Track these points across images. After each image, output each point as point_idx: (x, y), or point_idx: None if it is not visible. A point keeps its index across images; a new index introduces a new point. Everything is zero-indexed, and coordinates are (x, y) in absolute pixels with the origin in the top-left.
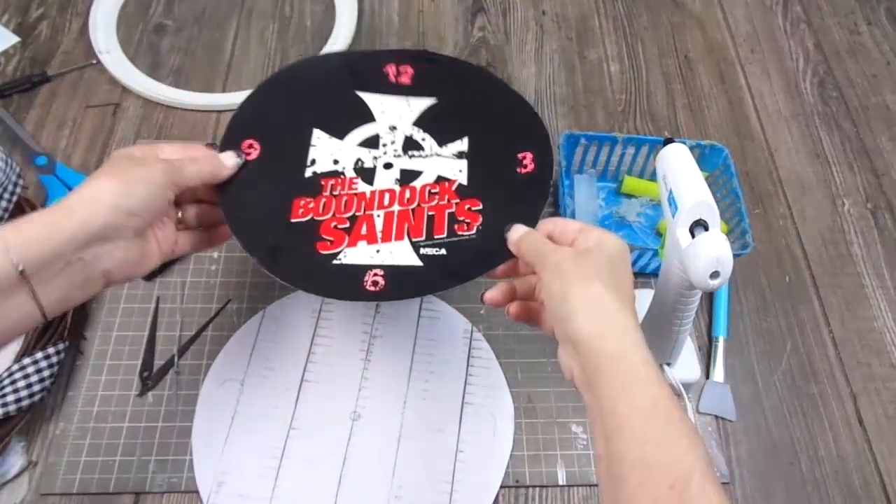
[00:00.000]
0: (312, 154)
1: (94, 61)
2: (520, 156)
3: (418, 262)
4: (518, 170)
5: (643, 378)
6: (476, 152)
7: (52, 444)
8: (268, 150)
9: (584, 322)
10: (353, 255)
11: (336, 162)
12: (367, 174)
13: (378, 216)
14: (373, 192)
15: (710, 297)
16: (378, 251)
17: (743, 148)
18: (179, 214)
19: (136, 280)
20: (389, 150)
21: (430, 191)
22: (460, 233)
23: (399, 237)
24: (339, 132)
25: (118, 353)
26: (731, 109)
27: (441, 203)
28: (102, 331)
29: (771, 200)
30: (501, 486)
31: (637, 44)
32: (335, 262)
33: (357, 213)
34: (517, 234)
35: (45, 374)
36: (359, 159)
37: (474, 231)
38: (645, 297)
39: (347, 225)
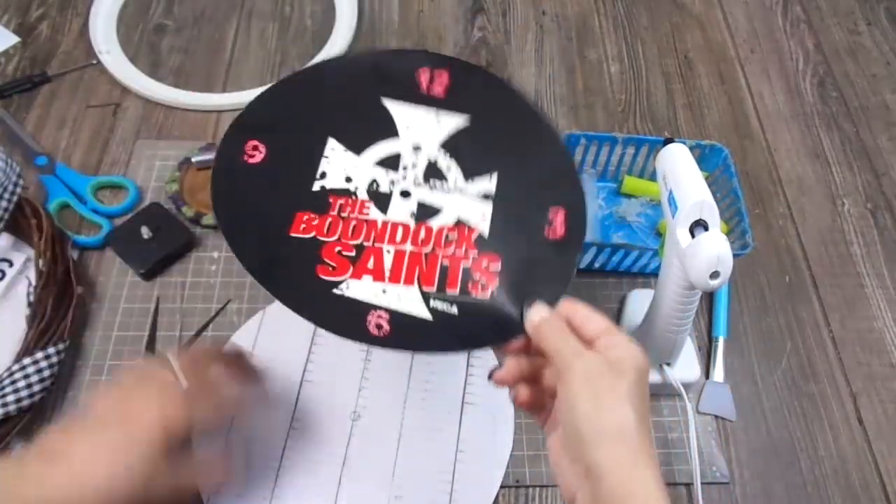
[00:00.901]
0: (323, 166)
1: (94, 61)
2: (550, 212)
3: (427, 316)
4: (546, 230)
5: None
6: (503, 196)
7: None
8: (274, 154)
9: (610, 453)
10: (357, 288)
11: (349, 180)
12: (381, 200)
13: (388, 252)
14: (385, 223)
15: (709, 297)
16: (384, 291)
17: (743, 148)
18: None
19: (136, 280)
20: (409, 175)
21: (447, 235)
22: (474, 293)
23: (408, 281)
24: (356, 145)
25: (118, 353)
26: (731, 109)
27: (457, 252)
28: (102, 331)
29: (771, 200)
30: (501, 486)
31: (637, 44)
32: (335, 291)
33: (365, 243)
34: (538, 315)
35: (45, 374)
36: (374, 181)
37: (489, 295)
38: (645, 297)
39: (353, 254)
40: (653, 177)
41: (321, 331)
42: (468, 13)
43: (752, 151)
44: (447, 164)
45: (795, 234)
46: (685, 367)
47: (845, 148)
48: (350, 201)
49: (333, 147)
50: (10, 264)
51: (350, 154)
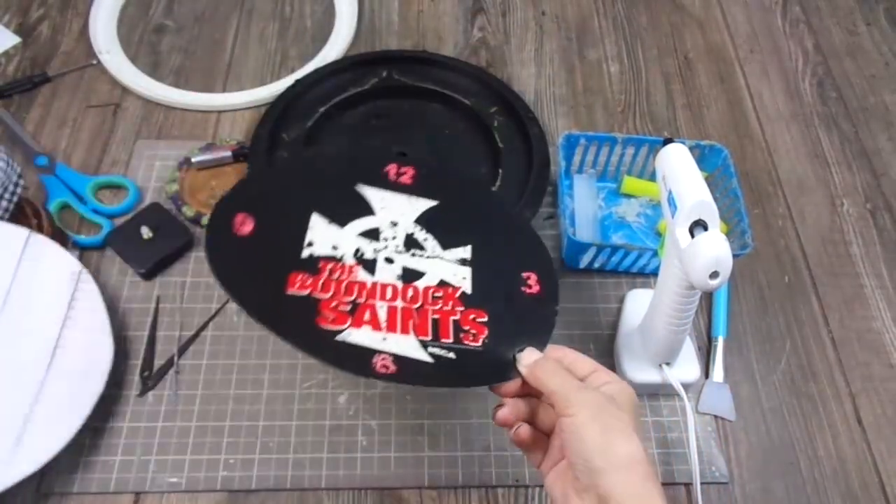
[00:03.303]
0: (310, 236)
1: (95, 61)
2: (524, 274)
3: (428, 359)
4: (523, 288)
5: None
6: (480, 263)
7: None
8: (262, 226)
9: (624, 481)
10: (358, 336)
11: (335, 248)
12: (367, 265)
13: (381, 307)
14: (374, 284)
15: (709, 297)
16: (385, 339)
17: (742, 148)
18: None
19: (136, 280)
20: (391, 245)
21: (433, 294)
22: (466, 342)
23: (405, 331)
24: (338, 220)
25: (118, 353)
26: (731, 110)
27: (445, 308)
28: None
29: (770, 200)
30: (502, 486)
31: (637, 44)
32: (338, 339)
33: (359, 301)
34: (530, 358)
35: None
36: (359, 249)
37: (480, 344)
38: (645, 297)
39: (349, 308)
40: (652, 177)
41: None
42: (468, 13)
43: (752, 151)
44: (423, 236)
45: (795, 235)
46: (685, 367)
47: (844, 148)
48: (339, 266)
49: (317, 221)
50: None
51: (334, 226)
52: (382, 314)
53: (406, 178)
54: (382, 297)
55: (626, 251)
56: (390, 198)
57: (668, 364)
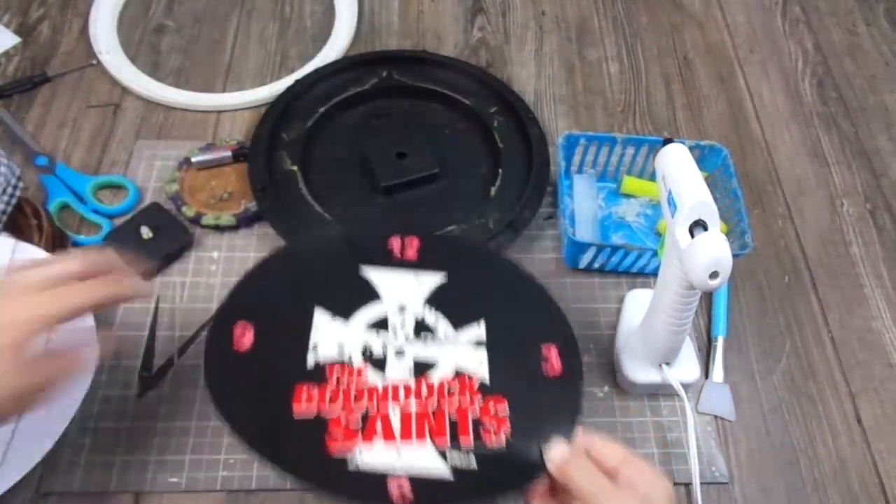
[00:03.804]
0: (314, 338)
1: (94, 61)
2: (543, 349)
3: (448, 474)
4: (544, 368)
5: None
6: (496, 342)
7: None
8: (263, 335)
9: None
10: (370, 456)
11: (341, 347)
12: (377, 363)
13: (394, 413)
14: (385, 387)
15: (709, 297)
16: (399, 455)
17: (742, 148)
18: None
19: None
20: (400, 335)
21: (448, 388)
22: (487, 441)
23: (420, 438)
24: (343, 312)
25: (118, 353)
26: (731, 110)
27: (462, 402)
28: (102, 331)
29: (770, 200)
30: None
31: (637, 44)
32: (350, 468)
33: (370, 411)
34: (558, 454)
35: None
36: (367, 346)
37: (503, 441)
38: (645, 297)
39: (360, 425)
40: (652, 177)
41: None
42: (468, 13)
43: (752, 152)
44: (434, 318)
45: (794, 235)
46: (684, 366)
47: (844, 148)
48: (347, 370)
49: (321, 318)
50: None
51: (338, 321)
52: (396, 422)
53: (411, 253)
54: (395, 399)
55: (626, 251)
56: (396, 278)
57: (667, 364)
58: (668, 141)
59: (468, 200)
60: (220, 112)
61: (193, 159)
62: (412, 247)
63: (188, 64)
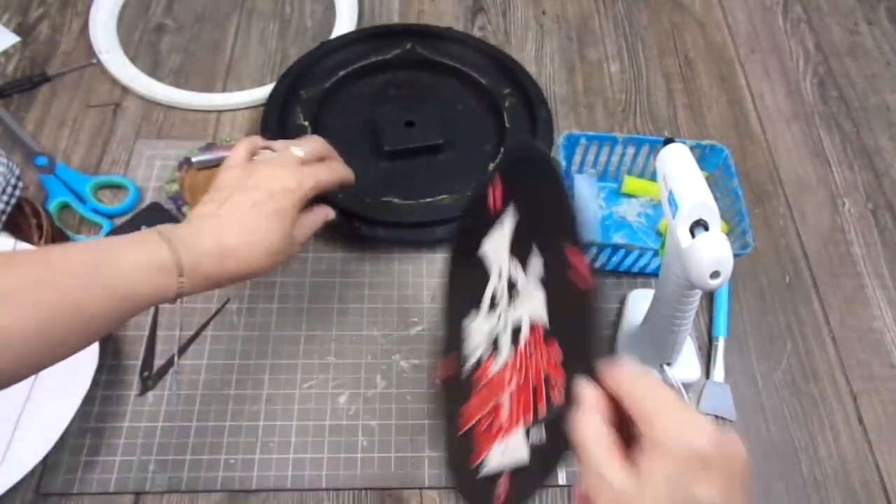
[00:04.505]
0: (465, 349)
1: (94, 61)
2: (568, 255)
3: (526, 457)
4: (574, 279)
5: None
6: (550, 279)
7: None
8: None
9: None
10: (491, 460)
11: (478, 345)
12: (497, 346)
13: (505, 402)
14: (500, 374)
15: (710, 297)
16: (504, 450)
17: (743, 148)
18: None
19: None
20: (502, 305)
21: (529, 350)
22: (554, 399)
23: (515, 423)
24: (474, 305)
25: (118, 353)
26: (731, 109)
27: (537, 360)
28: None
29: (771, 200)
30: None
31: (637, 43)
32: (479, 476)
33: (494, 404)
34: (621, 372)
35: None
36: (491, 330)
37: (563, 397)
38: (645, 297)
39: (489, 423)
40: (653, 177)
41: None
42: (468, 13)
43: (753, 151)
44: (515, 269)
45: (796, 234)
46: (685, 366)
47: (845, 148)
48: (482, 369)
49: (466, 326)
50: None
51: (472, 316)
52: (505, 412)
53: (500, 200)
54: (509, 384)
55: (627, 251)
56: (497, 237)
57: (668, 364)
58: (668, 141)
59: (468, 174)
60: (220, 112)
61: (194, 159)
62: (499, 190)
63: (188, 63)
